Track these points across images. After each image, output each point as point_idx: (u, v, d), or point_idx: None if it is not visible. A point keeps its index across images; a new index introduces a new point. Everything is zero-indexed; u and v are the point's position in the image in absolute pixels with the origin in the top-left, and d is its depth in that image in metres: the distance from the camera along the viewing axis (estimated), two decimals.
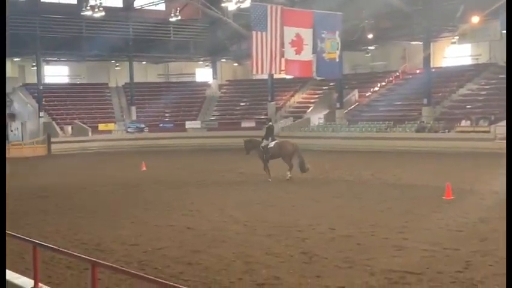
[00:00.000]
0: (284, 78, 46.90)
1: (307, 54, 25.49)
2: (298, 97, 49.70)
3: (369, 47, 47.50)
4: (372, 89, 46.25)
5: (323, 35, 25.58)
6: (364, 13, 40.74)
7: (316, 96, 48.54)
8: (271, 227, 13.79)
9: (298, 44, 25.02)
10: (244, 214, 15.64)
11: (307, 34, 25.18)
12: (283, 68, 25.62)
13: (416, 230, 12.97)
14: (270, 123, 25.42)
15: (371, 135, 38.82)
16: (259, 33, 24.49)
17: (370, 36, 42.00)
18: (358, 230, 13.11)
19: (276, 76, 43.89)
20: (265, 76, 45.57)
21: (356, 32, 40.80)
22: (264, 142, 23.40)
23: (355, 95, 45.91)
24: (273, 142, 23.33)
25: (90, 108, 48.31)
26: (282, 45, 24.74)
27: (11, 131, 49.38)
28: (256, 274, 9.91)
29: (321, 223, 14.01)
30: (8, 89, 47.60)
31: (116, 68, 52.54)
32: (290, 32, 24.80)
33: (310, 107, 46.91)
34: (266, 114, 47.53)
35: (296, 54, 25.18)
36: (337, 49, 26.14)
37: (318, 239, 12.36)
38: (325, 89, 48.32)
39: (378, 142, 37.45)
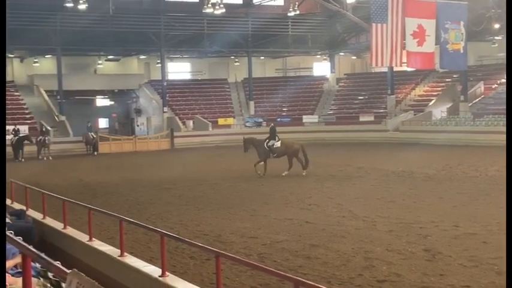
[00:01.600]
0: (405, 71, 45.80)
1: (429, 46, 24.78)
2: (420, 90, 48.33)
3: (496, 37, 45.26)
4: (498, 81, 44.08)
5: (447, 26, 24.74)
6: (490, 2, 38.87)
7: (439, 88, 46.99)
8: (391, 223, 13.49)
9: (420, 35, 24.37)
10: (363, 209, 15.41)
11: (429, 25, 24.46)
12: (404, 60, 25.08)
13: None
14: (272, 124, 27.04)
15: (497, 130, 36.98)
16: (379, 25, 24.08)
17: (497, 26, 40.01)
18: (484, 228, 12.54)
19: (396, 69, 42.93)
20: (384, 69, 44.70)
21: (482, 22, 39.01)
22: (271, 142, 24.15)
23: (480, 87, 44.00)
24: (279, 141, 24.28)
25: (210, 103, 49.56)
26: (403, 37, 24.20)
27: (137, 125, 51.81)
28: (377, 270, 9.73)
29: (444, 220, 13.53)
30: (134, 86, 49.94)
31: (235, 64, 53.55)
32: (412, 23, 24.19)
33: (432, 100, 45.47)
34: (385, 108, 46.70)
35: (418, 45, 24.55)
36: (462, 40, 25.23)
37: (441, 236, 11.94)
38: (449, 81, 46.68)
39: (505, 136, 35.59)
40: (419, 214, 14.47)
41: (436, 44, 26.60)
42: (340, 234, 12.55)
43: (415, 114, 44.38)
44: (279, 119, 47.65)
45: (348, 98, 50.43)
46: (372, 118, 45.86)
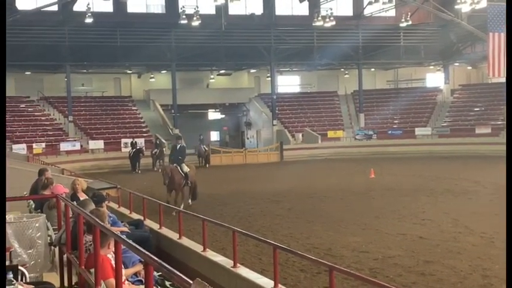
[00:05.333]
0: None
1: None
2: None
3: None
4: None
5: None
6: None
7: None
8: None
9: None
10: (480, 225, 14.81)
11: None
12: None
13: None
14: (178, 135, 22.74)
15: None
16: (496, 34, 23.22)
17: None
18: None
19: None
20: (502, 79, 42.80)
21: None
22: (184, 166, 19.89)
23: None
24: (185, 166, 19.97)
25: (319, 116, 49.50)
26: None
27: (247, 138, 52.66)
28: None
29: None
30: (245, 99, 50.83)
31: (345, 76, 53.19)
32: None
33: None
34: (503, 120, 44.66)
35: None
36: None
37: None
38: None
39: None
40: None
41: None
42: (456, 250, 12.12)
43: None
44: (390, 132, 46.84)
45: (463, 110, 48.70)
46: (489, 130, 44.01)
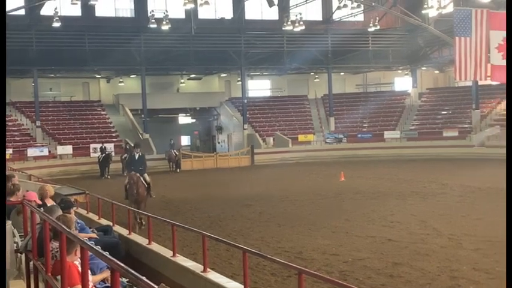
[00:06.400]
0: (490, 85, 44.37)
1: None
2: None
3: None
4: None
5: None
6: None
7: None
8: (478, 241, 13.07)
9: (505, 48, 23.54)
10: (448, 227, 15.00)
11: None
12: (488, 74, 24.29)
13: None
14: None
15: None
16: (462, 38, 23.50)
17: None
18: None
19: (481, 82, 41.68)
20: (469, 83, 43.50)
21: None
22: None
23: None
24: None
25: (290, 120, 49.67)
26: (488, 50, 23.47)
27: (218, 142, 52.57)
28: None
29: None
30: (216, 103, 50.75)
31: (315, 80, 53.48)
32: (497, 36, 23.43)
33: None
34: (470, 123, 45.36)
35: (503, 59, 23.70)
36: None
37: None
38: None
39: None
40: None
41: None
42: (424, 252, 12.26)
43: (501, 129, 42.83)
44: (359, 135, 47.20)
45: (431, 113, 49.33)
46: (456, 133, 44.64)
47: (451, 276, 10.25)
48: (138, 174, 17.17)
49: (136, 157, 17.88)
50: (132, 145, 20.53)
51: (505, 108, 46.30)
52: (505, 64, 24.11)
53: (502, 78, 26.33)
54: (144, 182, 17.45)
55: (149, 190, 17.72)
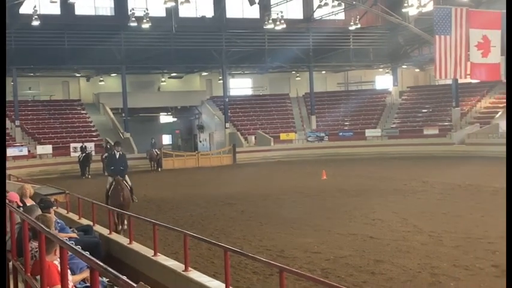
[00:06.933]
0: (470, 83, 44.77)
1: (495, 57, 24.11)
2: (486, 102, 47.12)
3: None
4: None
5: None
6: None
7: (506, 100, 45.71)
8: (458, 238, 13.16)
9: (485, 46, 23.76)
10: (428, 224, 15.09)
11: (494, 36, 23.82)
12: (468, 72, 24.48)
13: None
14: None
15: None
16: (442, 37, 23.65)
17: None
18: None
19: (460, 81, 42.01)
20: (449, 81, 43.82)
21: None
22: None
23: None
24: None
25: (272, 118, 49.71)
26: (468, 48, 23.65)
27: (200, 141, 52.45)
28: (443, 287, 9.51)
29: None
30: (197, 102, 50.62)
31: (297, 79, 53.56)
32: (476, 34, 23.63)
33: (498, 112, 44.23)
34: (450, 121, 45.71)
35: (483, 57, 23.94)
36: None
37: None
38: None
39: None
40: (487, 229, 14.05)
41: (501, 55, 25.92)
42: (405, 249, 12.32)
43: (481, 127, 43.27)
44: (341, 133, 47.36)
45: (412, 111, 49.66)
46: (436, 131, 44.99)
47: (432, 273, 10.31)
48: (122, 179, 15.96)
49: (117, 156, 16.69)
50: (112, 143, 18.70)
51: (484, 106, 46.78)
52: (484, 62, 24.35)
53: (481, 76, 26.59)
54: (127, 184, 16.33)
55: (132, 194, 16.59)
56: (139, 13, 40.52)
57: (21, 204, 9.97)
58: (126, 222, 15.15)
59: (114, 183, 16.01)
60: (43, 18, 38.64)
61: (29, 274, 5.97)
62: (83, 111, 46.44)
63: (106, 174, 19.63)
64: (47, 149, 39.83)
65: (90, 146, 39.35)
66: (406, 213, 17.06)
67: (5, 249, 6.43)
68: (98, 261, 3.91)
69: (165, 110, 51.85)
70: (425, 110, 49.24)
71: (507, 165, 7.70)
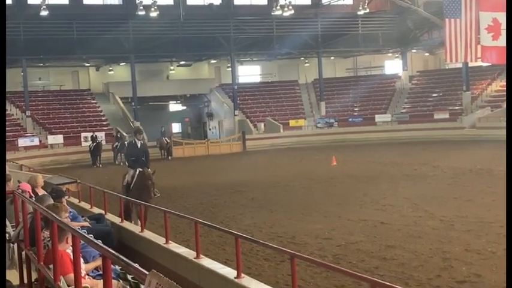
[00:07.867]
0: (480, 66, 44.54)
1: (505, 40, 23.92)
2: (496, 85, 46.80)
3: None
4: None
5: None
6: None
7: None
8: (470, 222, 13.12)
9: (495, 29, 23.61)
10: (440, 209, 15.05)
11: (505, 18, 23.61)
12: (479, 55, 24.36)
13: None
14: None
15: None
16: (452, 20, 23.53)
17: None
18: None
19: (471, 64, 41.77)
20: (459, 65, 43.60)
21: None
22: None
23: None
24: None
25: (281, 105, 49.63)
26: (478, 31, 23.52)
27: (209, 129, 52.50)
28: (456, 271, 9.48)
29: None
30: (206, 90, 50.62)
31: (305, 65, 53.40)
32: (486, 17, 23.48)
33: None
34: (460, 105, 45.44)
35: (493, 40, 23.80)
36: None
37: None
38: None
39: None
40: (499, 213, 13.95)
41: None
42: (417, 234, 12.30)
43: (492, 111, 43.00)
44: (350, 119, 47.23)
45: (422, 96, 49.42)
46: (447, 115, 44.77)
47: (444, 258, 10.29)
48: (151, 173, 14.28)
49: (139, 145, 14.70)
50: (135, 130, 16.30)
51: (495, 89, 46.49)
52: (494, 45, 24.19)
53: (492, 59, 26.45)
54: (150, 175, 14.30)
55: (153, 187, 14.41)
56: (147, 1, 40.52)
57: (33, 195, 10.02)
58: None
59: (137, 176, 14.12)
60: (51, 8, 38.71)
61: (41, 263, 6.01)
62: (93, 101, 46.57)
63: (121, 164, 17.67)
64: (58, 138, 40.02)
65: (101, 136, 39.50)
66: (417, 198, 17.02)
67: (4, 247, 6.44)
68: (110, 249, 3.93)
69: (174, 98, 51.90)
70: (436, 95, 48.97)
71: (507, 165, 7.63)
